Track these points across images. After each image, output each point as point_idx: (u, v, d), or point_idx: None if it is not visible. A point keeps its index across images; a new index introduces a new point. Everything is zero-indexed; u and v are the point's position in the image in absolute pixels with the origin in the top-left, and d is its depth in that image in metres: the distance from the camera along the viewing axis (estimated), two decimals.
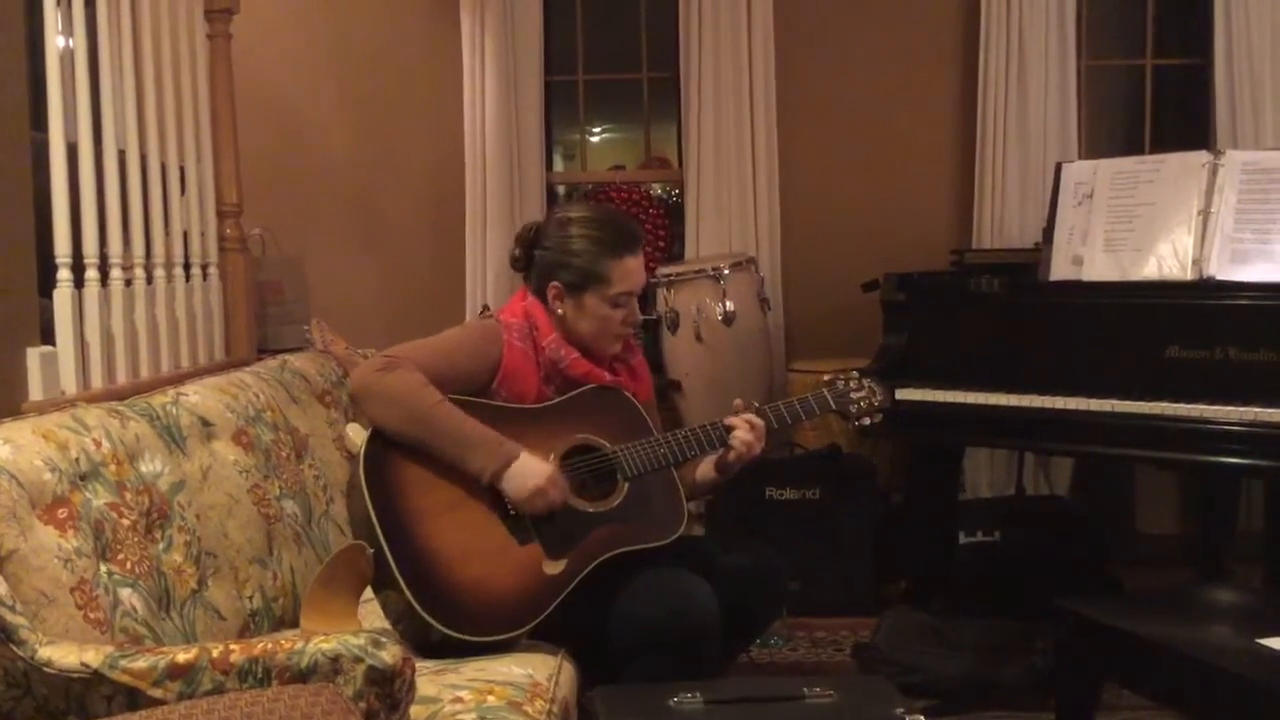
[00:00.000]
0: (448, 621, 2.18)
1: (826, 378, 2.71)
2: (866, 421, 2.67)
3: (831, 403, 2.65)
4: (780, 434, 2.59)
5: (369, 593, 2.31)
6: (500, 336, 2.49)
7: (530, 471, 2.31)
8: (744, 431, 2.52)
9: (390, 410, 2.31)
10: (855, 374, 2.70)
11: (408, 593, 2.17)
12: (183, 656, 1.65)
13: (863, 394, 2.66)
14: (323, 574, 2.18)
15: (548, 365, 2.52)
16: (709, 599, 2.32)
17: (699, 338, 4.08)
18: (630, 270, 2.52)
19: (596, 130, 7.17)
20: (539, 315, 2.53)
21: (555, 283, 2.54)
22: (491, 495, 2.34)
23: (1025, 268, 3.47)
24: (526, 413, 2.45)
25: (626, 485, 2.44)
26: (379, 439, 2.33)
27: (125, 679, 1.64)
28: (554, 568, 2.31)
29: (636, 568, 2.35)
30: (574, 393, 2.53)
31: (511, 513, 2.33)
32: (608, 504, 2.42)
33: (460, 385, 2.39)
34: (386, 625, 2.32)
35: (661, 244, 4.74)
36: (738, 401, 2.59)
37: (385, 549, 2.20)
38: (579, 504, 2.40)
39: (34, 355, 2.57)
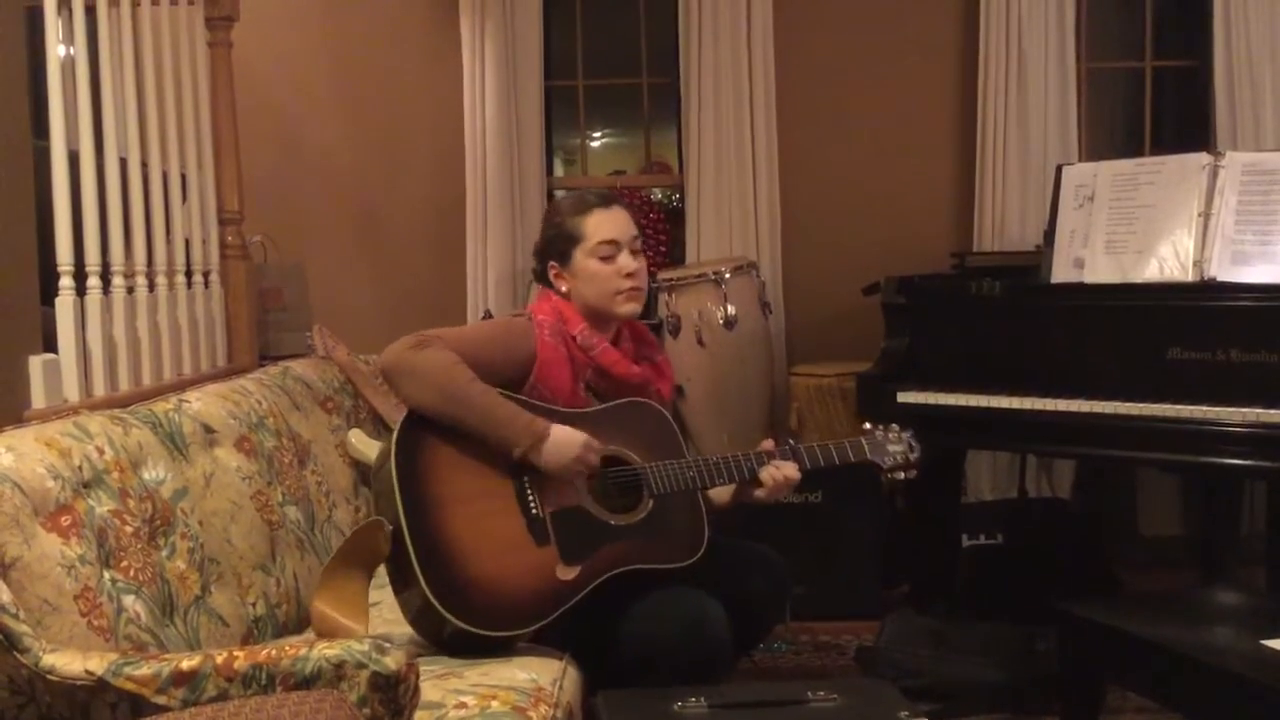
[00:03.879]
0: (456, 611, 2.18)
1: (866, 425, 2.68)
2: (900, 476, 2.63)
3: (868, 452, 2.61)
4: (810, 475, 2.58)
5: (387, 594, 2.32)
6: (532, 333, 2.49)
7: (565, 441, 2.33)
8: (777, 473, 2.51)
9: (422, 387, 2.31)
10: (895, 427, 2.67)
11: (421, 579, 2.17)
12: (187, 663, 1.65)
13: (900, 448, 2.64)
14: (341, 551, 2.20)
15: (580, 359, 2.52)
16: (720, 618, 2.32)
17: (700, 342, 4.08)
18: (600, 221, 2.54)
19: (597, 135, 7.18)
20: (566, 308, 2.55)
21: (552, 263, 2.59)
22: (516, 493, 2.33)
23: (1026, 270, 3.47)
24: (562, 416, 2.45)
25: (651, 502, 2.44)
26: (412, 424, 2.32)
27: (129, 686, 1.64)
28: (567, 573, 2.30)
29: (648, 584, 2.35)
30: (611, 404, 2.53)
31: (534, 512, 2.33)
32: (630, 518, 2.42)
33: (490, 378, 2.38)
34: (395, 627, 2.32)
35: (663, 248, 4.74)
36: (766, 441, 2.58)
37: (405, 533, 2.20)
38: (601, 514, 2.39)
39: (36, 363, 2.57)
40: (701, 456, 2.52)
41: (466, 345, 2.39)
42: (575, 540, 2.34)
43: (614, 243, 2.54)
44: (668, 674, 2.23)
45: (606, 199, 2.60)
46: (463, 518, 2.27)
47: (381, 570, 2.27)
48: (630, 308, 2.56)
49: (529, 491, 2.34)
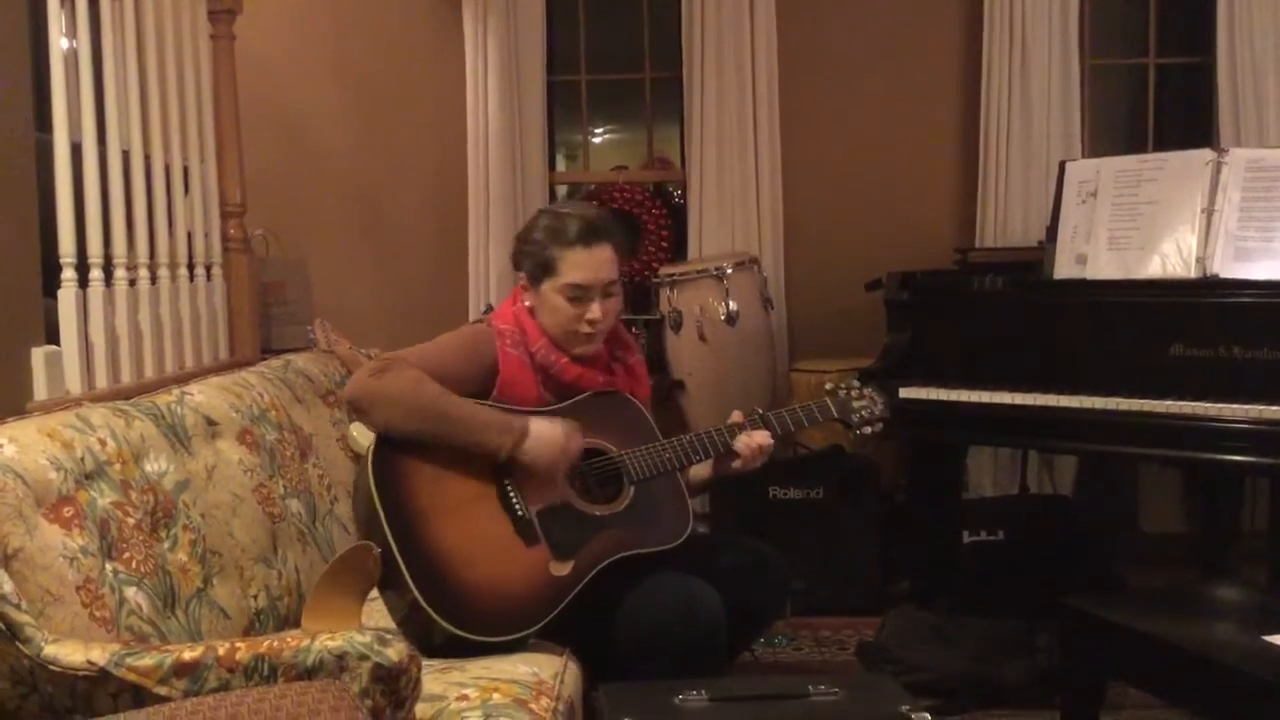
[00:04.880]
0: (457, 621, 2.18)
1: (828, 386, 2.72)
2: (868, 430, 2.68)
3: (834, 411, 2.67)
4: (781, 441, 2.60)
5: (375, 591, 2.31)
6: (493, 342, 2.48)
7: (548, 434, 2.33)
8: (750, 442, 2.54)
9: (395, 410, 2.31)
10: (856, 383, 2.72)
11: (417, 593, 2.17)
12: (189, 654, 1.65)
13: (864, 403, 2.68)
14: (329, 573, 2.18)
15: (541, 371, 2.51)
16: (715, 602, 2.33)
17: (702, 337, 4.08)
18: (580, 262, 2.46)
19: (599, 130, 7.16)
20: (527, 322, 2.53)
21: (522, 274, 2.56)
22: (499, 496, 2.34)
23: (1029, 266, 3.46)
24: (531, 414, 2.45)
25: (633, 489, 2.45)
26: (384, 444, 2.32)
27: (131, 677, 1.64)
28: (561, 569, 2.31)
29: (642, 571, 2.36)
30: (579, 397, 2.53)
31: (520, 513, 2.33)
32: (614, 507, 2.42)
33: (456, 389, 2.38)
34: (390, 624, 2.32)
35: (664, 244, 4.74)
36: (736, 413, 2.60)
37: (394, 549, 2.20)
38: (586, 507, 2.40)
39: (39, 355, 2.57)
40: (675, 437, 2.53)
41: (429, 362, 2.38)
42: (564, 536, 2.34)
43: (585, 287, 2.47)
44: (665, 658, 2.25)
45: (591, 233, 2.47)
46: (450, 528, 2.27)
47: None
48: (584, 350, 2.53)
49: (512, 493, 2.34)
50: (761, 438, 2.55)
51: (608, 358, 2.62)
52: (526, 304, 2.54)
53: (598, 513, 2.40)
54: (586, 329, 2.49)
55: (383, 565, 2.19)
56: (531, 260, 2.51)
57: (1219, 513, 3.51)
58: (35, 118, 2.67)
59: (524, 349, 2.50)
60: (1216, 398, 2.83)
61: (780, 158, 4.52)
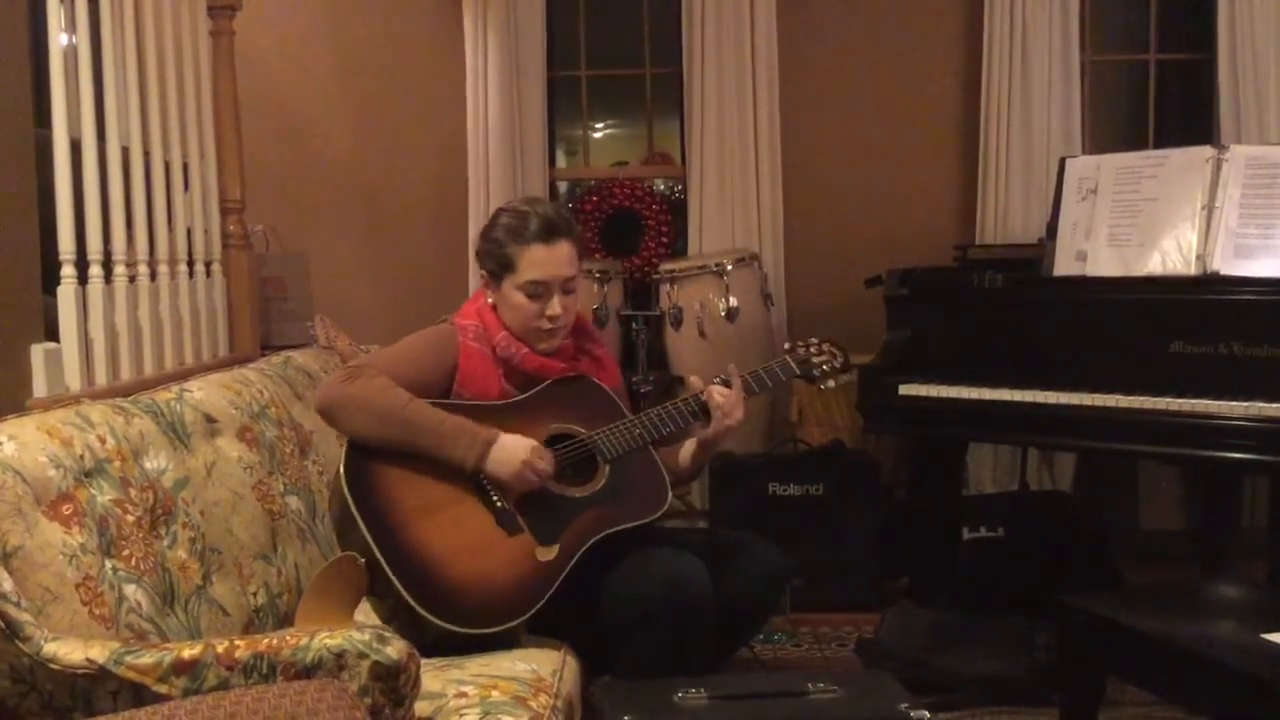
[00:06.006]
0: (450, 618, 2.18)
1: (787, 345, 2.79)
2: (832, 384, 2.75)
3: (796, 368, 2.73)
4: (750, 402, 2.63)
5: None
6: (455, 339, 2.52)
7: (514, 448, 2.34)
8: (717, 397, 2.55)
9: (362, 417, 2.33)
10: (815, 340, 2.78)
11: (407, 596, 2.18)
12: (188, 652, 1.65)
13: (824, 358, 2.75)
14: (314, 586, 2.18)
15: (503, 363, 2.53)
16: (701, 575, 2.35)
17: (702, 333, 4.08)
18: (539, 259, 2.49)
19: (599, 126, 7.16)
20: (489, 317, 2.56)
21: (483, 271, 2.58)
22: (476, 491, 2.35)
23: (1029, 263, 3.46)
24: (499, 409, 2.47)
25: (608, 468, 2.47)
26: (356, 449, 2.34)
27: (131, 675, 1.64)
28: (547, 554, 2.32)
29: (628, 549, 2.38)
30: (542, 385, 2.55)
31: (499, 505, 2.35)
32: (592, 488, 2.45)
33: (424, 390, 2.41)
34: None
35: (665, 240, 4.74)
36: (692, 378, 2.62)
37: (377, 554, 2.21)
38: (564, 490, 2.42)
39: (38, 352, 2.57)
40: (642, 413, 2.55)
41: (397, 365, 2.42)
42: (546, 522, 2.36)
43: (544, 284, 2.50)
44: (655, 631, 2.27)
45: (551, 230, 2.51)
46: (431, 528, 2.29)
47: None
48: (545, 346, 2.56)
49: (489, 486, 2.36)
50: (732, 395, 2.56)
51: (574, 350, 2.65)
52: (489, 301, 2.57)
53: (576, 494, 2.43)
54: (547, 325, 2.53)
55: (370, 573, 2.19)
56: (492, 258, 2.55)
57: (1218, 510, 3.51)
58: (34, 114, 2.66)
59: (486, 342, 2.53)
60: (1216, 395, 2.82)
61: (780, 154, 4.51)
